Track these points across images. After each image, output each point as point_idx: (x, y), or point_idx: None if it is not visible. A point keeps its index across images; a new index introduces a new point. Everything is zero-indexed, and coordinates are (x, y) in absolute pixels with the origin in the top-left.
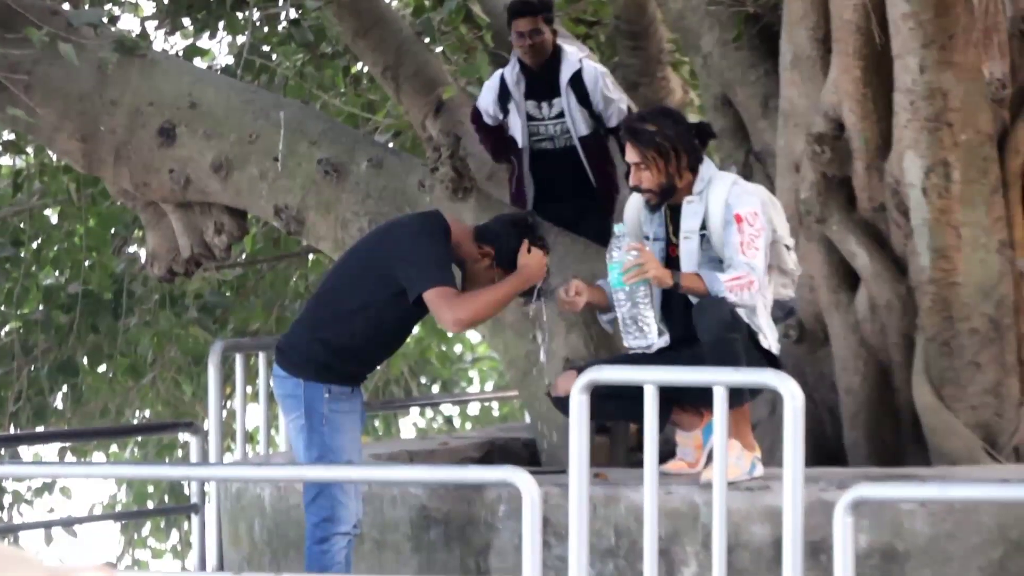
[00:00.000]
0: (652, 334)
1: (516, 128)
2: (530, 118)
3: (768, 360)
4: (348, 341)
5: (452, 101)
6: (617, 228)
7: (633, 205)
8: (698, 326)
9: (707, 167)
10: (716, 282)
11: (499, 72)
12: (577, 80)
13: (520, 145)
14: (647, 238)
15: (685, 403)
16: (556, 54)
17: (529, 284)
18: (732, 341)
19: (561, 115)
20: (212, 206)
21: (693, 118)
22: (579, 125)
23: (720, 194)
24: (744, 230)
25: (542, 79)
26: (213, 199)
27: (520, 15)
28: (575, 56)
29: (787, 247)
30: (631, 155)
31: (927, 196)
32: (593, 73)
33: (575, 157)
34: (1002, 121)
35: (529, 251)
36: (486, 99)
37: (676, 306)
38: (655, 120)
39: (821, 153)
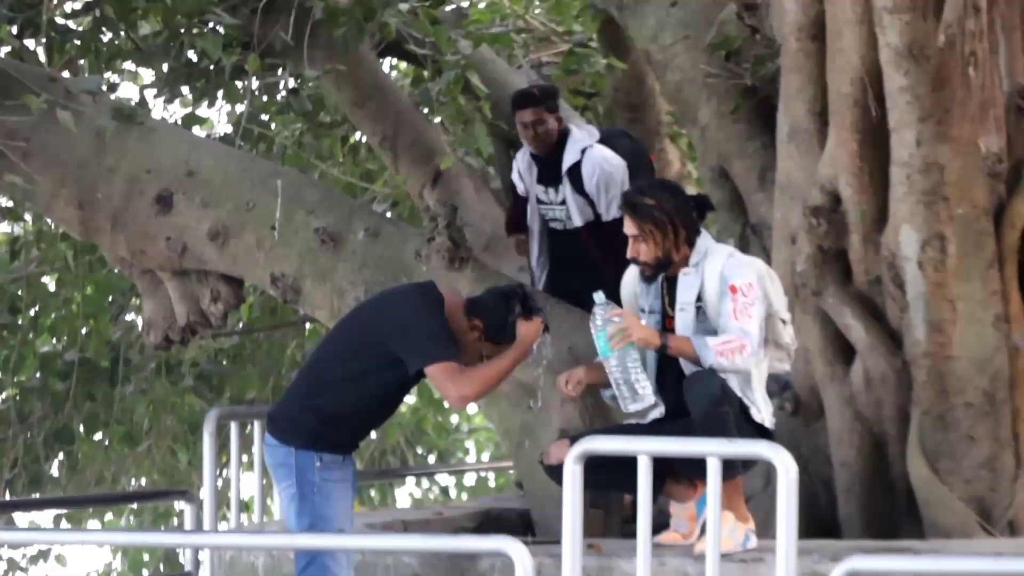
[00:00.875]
0: (648, 395)
1: (528, 214)
2: (540, 201)
3: (760, 434)
4: (340, 410)
5: (449, 171)
6: (597, 297)
7: (630, 277)
8: (688, 399)
9: (704, 239)
10: (704, 345)
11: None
12: (576, 170)
13: (528, 225)
14: (643, 311)
15: (679, 474)
16: (564, 140)
17: (528, 353)
18: (722, 415)
19: (564, 201)
20: (208, 274)
21: (691, 190)
22: (574, 214)
23: (716, 266)
24: (738, 299)
25: (550, 165)
26: (210, 267)
27: (523, 106)
28: (580, 144)
29: (783, 321)
30: (629, 227)
31: (923, 269)
32: (592, 165)
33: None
34: (998, 195)
35: (528, 318)
36: (515, 175)
37: (670, 377)
38: (654, 194)
39: (817, 226)
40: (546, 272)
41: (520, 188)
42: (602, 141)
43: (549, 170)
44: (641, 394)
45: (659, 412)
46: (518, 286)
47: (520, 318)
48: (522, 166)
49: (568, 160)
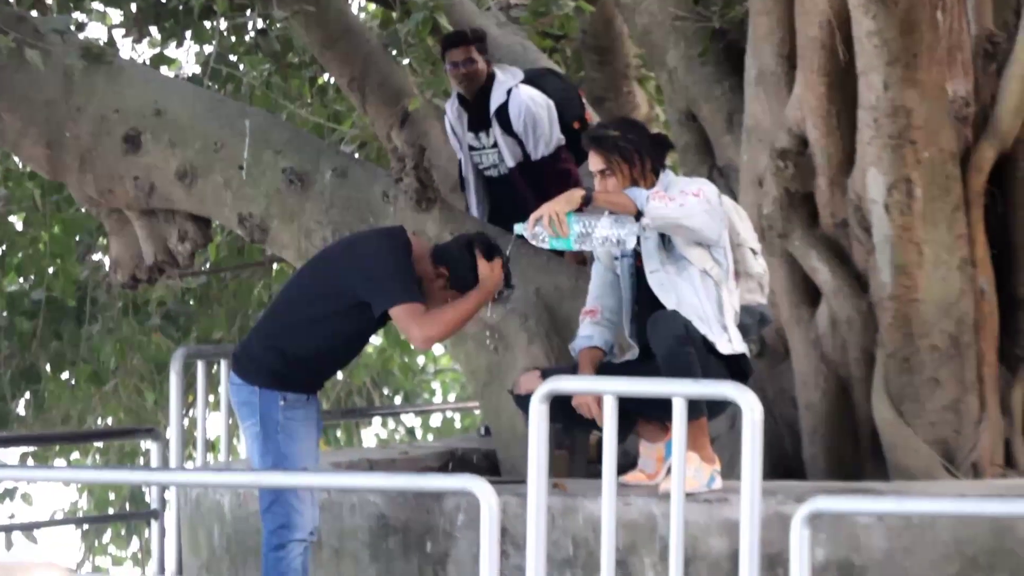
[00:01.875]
0: (631, 226)
1: (463, 166)
2: (472, 148)
3: (730, 367)
4: (303, 351)
5: (418, 113)
6: (517, 228)
7: None
8: (651, 339)
9: (666, 174)
10: (639, 193)
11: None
12: (504, 111)
13: (462, 174)
14: (616, 258)
15: (650, 415)
16: (491, 82)
17: (491, 295)
18: (685, 354)
19: (496, 144)
20: (176, 214)
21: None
22: (505, 155)
23: (675, 190)
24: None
25: (478, 110)
26: (177, 207)
27: (453, 45)
28: (505, 85)
29: (753, 251)
30: (595, 163)
31: (889, 213)
32: (518, 104)
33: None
34: (965, 139)
35: (490, 261)
36: (448, 129)
37: (643, 318)
38: (617, 127)
39: (784, 169)
40: (485, 220)
41: (452, 141)
42: (528, 81)
43: (478, 115)
44: (624, 237)
45: (633, 354)
46: (479, 233)
47: (481, 261)
48: (452, 117)
49: (495, 101)
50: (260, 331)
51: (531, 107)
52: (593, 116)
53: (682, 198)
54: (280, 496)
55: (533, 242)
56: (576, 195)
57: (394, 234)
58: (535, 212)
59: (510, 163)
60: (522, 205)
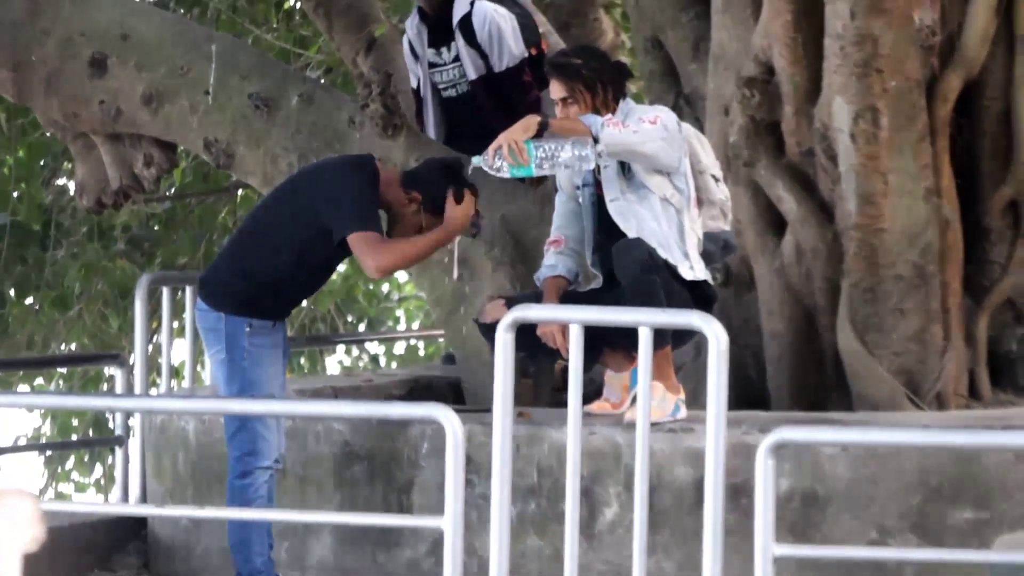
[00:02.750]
0: (592, 148)
1: (418, 77)
2: (433, 66)
3: (694, 294)
4: (270, 277)
5: (384, 38)
6: (475, 160)
7: None
8: (616, 267)
9: (626, 102)
10: (594, 120)
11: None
12: (467, 22)
13: (420, 94)
14: (577, 187)
15: (616, 344)
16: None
17: (456, 235)
18: (650, 282)
19: (458, 59)
20: (142, 138)
21: (625, 60)
22: (468, 68)
23: (635, 115)
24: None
25: (440, 23)
26: (143, 131)
27: None
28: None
29: (715, 177)
30: (557, 91)
31: (855, 142)
32: (482, 14)
33: (477, 102)
34: (931, 68)
35: (458, 199)
36: (410, 73)
37: (608, 247)
38: (578, 55)
39: (750, 97)
40: (442, 142)
41: (409, 61)
42: None
43: (440, 30)
44: (585, 156)
45: (597, 283)
46: (456, 158)
47: (451, 198)
48: (411, 33)
49: (458, 13)
50: (226, 257)
51: (495, 18)
52: (549, 47)
53: (638, 125)
54: (246, 423)
55: (492, 173)
56: (532, 122)
57: (362, 162)
58: (493, 143)
59: (472, 75)
60: (482, 125)
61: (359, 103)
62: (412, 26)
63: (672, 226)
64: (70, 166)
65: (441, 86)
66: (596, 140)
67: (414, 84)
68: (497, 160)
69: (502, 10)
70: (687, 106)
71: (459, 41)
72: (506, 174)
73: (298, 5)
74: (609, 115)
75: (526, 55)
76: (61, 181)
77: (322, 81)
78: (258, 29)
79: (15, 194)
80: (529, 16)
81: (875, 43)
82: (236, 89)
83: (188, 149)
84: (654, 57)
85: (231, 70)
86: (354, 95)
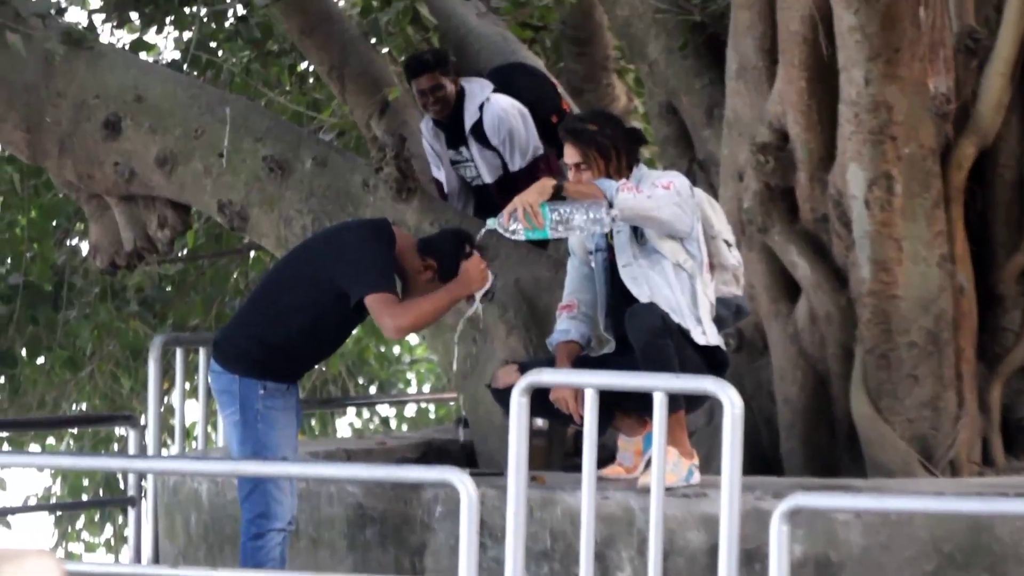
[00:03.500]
0: (603, 215)
1: (442, 176)
2: (455, 162)
3: (707, 359)
4: (284, 340)
5: (397, 102)
6: (490, 222)
7: None
8: (629, 332)
9: (639, 168)
10: (608, 185)
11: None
12: (479, 127)
13: (447, 191)
14: (590, 252)
15: (628, 408)
16: (463, 99)
17: (469, 291)
18: (663, 347)
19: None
20: (156, 200)
21: (638, 125)
22: (483, 172)
23: (648, 183)
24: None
25: (454, 127)
26: (157, 193)
27: (417, 73)
28: (476, 100)
29: (727, 243)
30: (571, 155)
31: (869, 208)
32: (493, 118)
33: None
34: (945, 136)
35: (468, 257)
36: (431, 165)
37: (621, 312)
38: (594, 120)
39: (765, 163)
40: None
41: (431, 158)
42: (499, 82)
43: (454, 132)
44: (599, 218)
45: (610, 347)
46: (464, 230)
47: (465, 257)
48: (428, 136)
49: (469, 119)
50: (241, 319)
51: (505, 119)
52: (571, 105)
53: (651, 190)
54: (259, 485)
55: (507, 235)
56: (547, 185)
57: (378, 225)
58: (508, 206)
59: (488, 179)
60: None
61: (373, 166)
62: (428, 128)
63: (685, 291)
64: (83, 227)
65: (467, 178)
66: (610, 204)
67: (435, 174)
68: (512, 223)
69: (512, 107)
70: (701, 171)
71: (473, 147)
72: (521, 237)
73: (311, 68)
74: (623, 180)
75: (540, 151)
76: (73, 241)
77: (335, 144)
78: (271, 92)
79: (28, 254)
80: (546, 83)
81: (889, 110)
82: (250, 151)
83: (201, 211)
84: (668, 122)
85: (245, 132)
86: (367, 158)
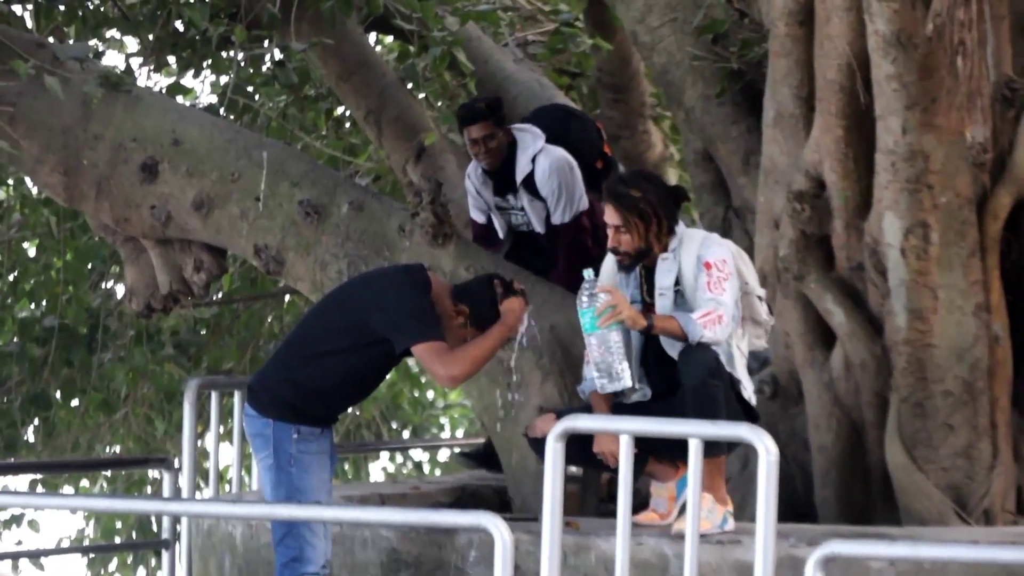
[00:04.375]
0: (626, 378)
1: (480, 218)
2: (502, 208)
3: (746, 413)
4: (318, 384)
5: (434, 147)
6: (587, 274)
7: (608, 266)
8: (682, 370)
9: (679, 229)
10: (689, 320)
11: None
12: (530, 179)
13: (501, 237)
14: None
15: (661, 455)
16: (513, 148)
17: (512, 332)
18: (715, 388)
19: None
20: (192, 243)
21: (673, 172)
22: (534, 222)
23: (692, 249)
24: (712, 273)
25: (504, 176)
26: (193, 236)
27: (472, 121)
28: (529, 153)
29: (759, 298)
30: (612, 217)
31: (905, 257)
32: (544, 172)
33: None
34: (982, 185)
35: (502, 297)
36: (472, 207)
37: (651, 360)
38: (638, 185)
39: (801, 211)
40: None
41: (475, 203)
42: (549, 132)
43: (503, 181)
44: (620, 376)
45: (643, 395)
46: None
47: (503, 297)
48: (477, 183)
49: (521, 171)
50: (276, 363)
51: (559, 175)
52: (611, 148)
53: (719, 289)
54: (293, 529)
55: (584, 294)
56: (642, 320)
57: (414, 271)
58: (611, 292)
59: (539, 229)
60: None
61: (409, 211)
62: (476, 175)
63: (721, 352)
64: (118, 269)
65: (514, 223)
66: (683, 338)
67: (478, 218)
68: (598, 300)
69: (564, 161)
70: (736, 219)
71: (523, 197)
72: (581, 308)
73: (348, 113)
74: (700, 314)
75: (586, 207)
76: (109, 284)
77: (371, 189)
78: (308, 136)
79: (63, 297)
80: (591, 125)
81: (926, 159)
82: (286, 196)
83: (237, 254)
84: (704, 169)
85: (281, 177)
86: (404, 203)
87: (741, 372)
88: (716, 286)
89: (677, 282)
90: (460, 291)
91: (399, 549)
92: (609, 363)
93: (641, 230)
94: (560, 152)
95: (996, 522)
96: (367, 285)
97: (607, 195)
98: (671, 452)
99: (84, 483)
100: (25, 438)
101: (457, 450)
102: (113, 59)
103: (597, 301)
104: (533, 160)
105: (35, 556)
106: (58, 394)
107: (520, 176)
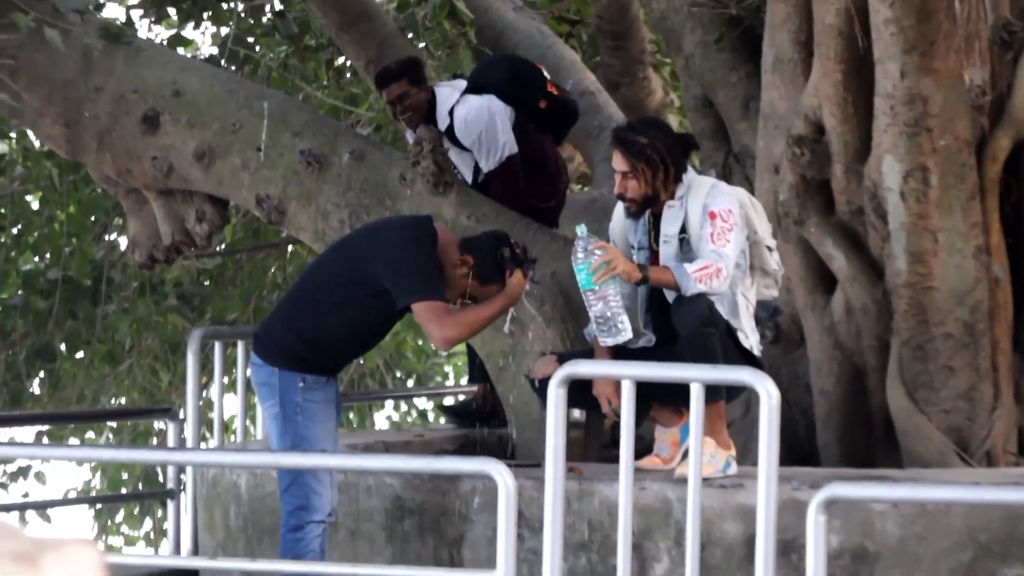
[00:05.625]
0: (627, 330)
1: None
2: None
3: (747, 359)
4: (323, 335)
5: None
6: (579, 230)
7: (619, 214)
8: (675, 320)
9: (688, 173)
10: (684, 273)
11: None
12: (451, 132)
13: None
14: (632, 247)
15: (665, 399)
16: (434, 106)
17: (513, 304)
18: (708, 335)
19: None
20: (194, 194)
21: (674, 119)
22: (464, 173)
23: (699, 197)
24: (716, 224)
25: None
26: (195, 187)
27: (383, 84)
28: (446, 105)
29: (769, 248)
30: (619, 163)
31: (905, 200)
32: (461, 122)
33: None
34: (981, 128)
35: (510, 266)
36: None
37: (653, 308)
38: (646, 131)
39: (800, 156)
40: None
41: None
42: (474, 84)
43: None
44: (620, 328)
45: (647, 341)
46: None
47: (510, 268)
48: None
49: (441, 124)
50: (281, 313)
51: (473, 122)
52: (556, 87)
53: (720, 254)
54: (299, 478)
55: (575, 248)
56: (637, 273)
57: (420, 224)
58: (605, 253)
59: (469, 178)
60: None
61: (410, 160)
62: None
63: (724, 301)
64: (121, 222)
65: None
66: (678, 289)
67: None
68: (594, 255)
69: (483, 109)
70: (737, 164)
71: (452, 151)
72: (576, 264)
73: (348, 63)
74: (697, 267)
75: (514, 150)
76: (112, 236)
77: (372, 138)
78: (309, 86)
79: (67, 249)
80: (526, 68)
81: (925, 103)
82: (288, 146)
83: (239, 205)
84: (704, 116)
85: (282, 127)
86: (405, 152)
87: (745, 321)
88: (719, 237)
89: (683, 230)
90: (468, 243)
91: (403, 496)
92: (608, 317)
93: (648, 177)
94: (477, 100)
95: (998, 463)
96: (372, 237)
97: (614, 142)
98: (675, 397)
99: (90, 435)
100: (30, 390)
101: (446, 402)
102: (113, 11)
103: (592, 257)
104: (451, 113)
105: (42, 507)
106: (63, 346)
107: (442, 126)
